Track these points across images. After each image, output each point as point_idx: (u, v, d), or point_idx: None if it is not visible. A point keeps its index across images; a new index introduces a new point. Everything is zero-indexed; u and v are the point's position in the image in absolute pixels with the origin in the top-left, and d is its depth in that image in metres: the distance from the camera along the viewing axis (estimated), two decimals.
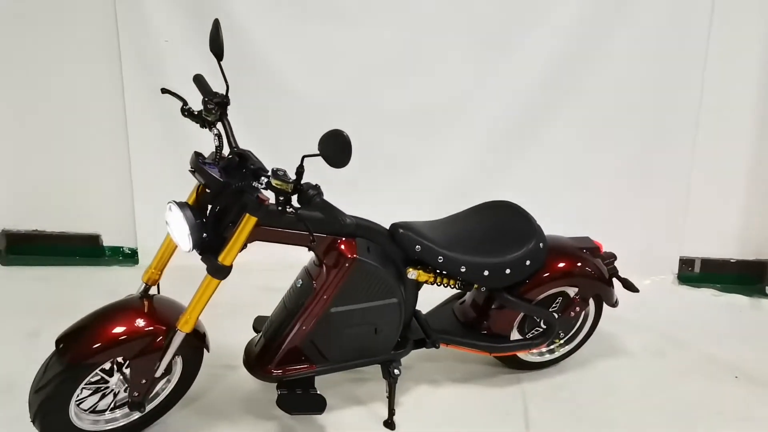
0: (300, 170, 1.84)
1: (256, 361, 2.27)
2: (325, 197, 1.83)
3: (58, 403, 1.99)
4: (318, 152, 1.78)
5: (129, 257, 3.78)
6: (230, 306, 2.74)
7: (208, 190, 2.01)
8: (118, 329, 2.00)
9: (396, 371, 2.35)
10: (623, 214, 3.51)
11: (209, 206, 2.05)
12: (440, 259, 2.29)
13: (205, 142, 3.44)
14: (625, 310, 2.83)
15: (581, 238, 2.65)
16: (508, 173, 3.50)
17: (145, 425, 2.24)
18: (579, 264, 2.53)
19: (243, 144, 2.07)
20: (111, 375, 2.12)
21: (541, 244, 2.42)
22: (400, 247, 2.28)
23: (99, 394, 2.14)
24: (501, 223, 2.49)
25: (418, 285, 2.40)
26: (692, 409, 2.51)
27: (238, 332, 2.45)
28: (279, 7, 3.31)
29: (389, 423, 2.36)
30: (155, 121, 3.51)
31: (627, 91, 3.39)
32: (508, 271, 2.36)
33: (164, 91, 2.13)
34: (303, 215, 1.92)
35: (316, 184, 1.85)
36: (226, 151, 2.04)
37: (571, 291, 2.57)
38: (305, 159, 1.82)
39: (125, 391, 2.14)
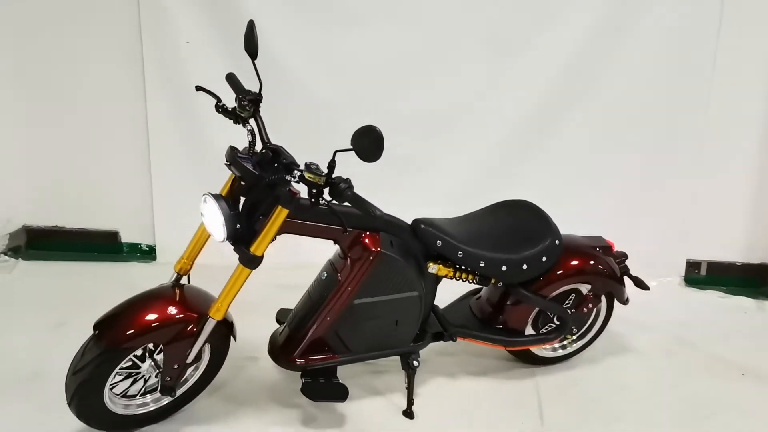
0: (332, 164, 1.93)
1: (281, 350, 2.35)
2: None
3: (95, 385, 2.06)
4: (351, 147, 1.86)
5: (147, 254, 3.85)
6: (249, 303, 2.82)
7: (242, 183, 2.09)
8: (153, 316, 2.08)
9: (415, 363, 2.42)
10: (632, 217, 3.58)
11: (241, 199, 2.13)
12: (460, 254, 2.37)
13: (224, 141, 3.54)
14: (633, 311, 2.91)
15: (594, 237, 2.73)
16: (521, 174, 3.58)
17: (173, 410, 2.31)
18: (592, 262, 2.61)
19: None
20: (143, 361, 2.19)
21: (557, 242, 2.50)
22: (422, 242, 2.36)
23: (131, 380, 2.22)
24: (518, 221, 2.57)
25: (437, 279, 2.48)
26: (700, 405, 2.57)
27: (256, 327, 2.50)
28: (296, 10, 3.39)
29: (408, 412, 2.43)
30: (175, 120, 3.58)
31: (636, 97, 3.46)
32: (525, 266, 2.44)
33: (198, 88, 2.22)
34: (335, 208, 2.00)
35: (347, 178, 1.93)
36: (258, 146, 2.12)
37: (584, 288, 2.65)
38: (337, 153, 1.91)
39: (156, 376, 2.22)
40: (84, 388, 2.05)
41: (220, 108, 2.18)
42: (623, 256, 2.74)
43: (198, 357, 2.22)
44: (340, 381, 2.35)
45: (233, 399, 2.48)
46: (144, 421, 2.26)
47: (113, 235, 3.85)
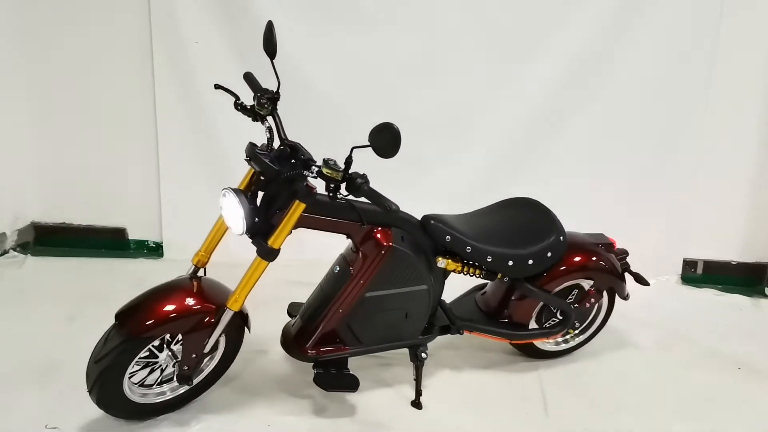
0: (349, 160, 2.00)
1: (294, 341, 2.41)
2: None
3: (115, 374, 2.12)
4: (368, 143, 1.93)
5: (153, 250, 3.90)
6: (257, 299, 2.88)
7: (261, 178, 2.15)
8: (173, 306, 2.15)
9: (423, 355, 2.50)
10: (630, 216, 3.67)
11: (259, 193, 2.20)
12: (468, 249, 2.44)
13: (231, 140, 3.62)
14: (632, 308, 3.03)
15: (596, 234, 2.81)
16: (527, 173, 3.67)
17: (189, 399, 2.37)
18: (595, 258, 2.69)
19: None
20: (160, 351, 2.25)
21: (561, 238, 2.58)
22: (431, 238, 2.44)
23: (148, 369, 2.28)
24: (524, 218, 2.65)
25: (445, 274, 2.55)
26: (698, 397, 2.65)
27: (265, 322, 2.55)
28: (306, 12, 3.46)
29: (416, 403, 2.50)
30: (184, 119, 3.64)
31: (635, 99, 3.56)
32: (530, 261, 2.52)
33: (217, 86, 2.28)
34: (353, 202, 2.06)
35: (364, 174, 2.00)
36: (276, 143, 2.19)
37: (587, 284, 2.72)
38: (354, 150, 1.98)
39: (173, 366, 2.28)
40: (105, 375, 2.11)
41: (239, 106, 2.25)
42: (624, 253, 2.82)
43: (214, 347, 2.28)
44: (351, 372, 2.41)
45: (246, 390, 2.54)
46: (161, 409, 2.31)
47: (121, 232, 3.91)
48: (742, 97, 3.53)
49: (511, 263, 2.50)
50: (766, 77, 3.50)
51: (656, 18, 3.41)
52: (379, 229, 2.31)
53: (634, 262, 2.86)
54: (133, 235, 3.92)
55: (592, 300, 2.74)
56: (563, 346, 2.86)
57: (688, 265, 3.81)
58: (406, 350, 2.54)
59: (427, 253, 2.46)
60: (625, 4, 3.39)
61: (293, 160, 2.12)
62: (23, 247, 3.81)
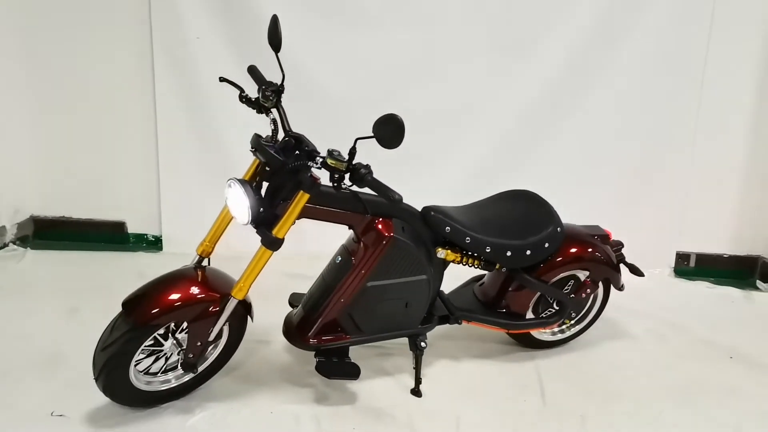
0: (353, 151, 2.04)
1: (296, 330, 2.45)
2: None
3: (122, 361, 2.15)
4: (372, 135, 1.97)
5: (153, 244, 3.94)
6: (259, 290, 2.92)
7: (267, 168, 2.19)
8: (179, 295, 2.18)
9: (422, 344, 2.54)
10: (624, 210, 3.74)
11: (264, 184, 2.24)
12: (468, 239, 2.49)
13: (231, 134, 3.65)
14: (626, 300, 3.09)
15: (592, 226, 2.87)
16: (524, 166, 3.74)
17: (193, 387, 2.41)
18: (591, 249, 2.74)
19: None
20: (165, 340, 2.28)
21: (558, 229, 2.63)
22: (431, 228, 2.48)
23: (153, 358, 2.31)
24: (522, 209, 2.70)
25: (444, 264, 2.59)
26: (691, 384, 2.71)
27: (266, 313, 2.57)
28: (307, 9, 3.50)
29: (416, 391, 2.54)
30: (183, 113, 3.68)
31: (631, 95, 3.62)
32: (528, 252, 2.57)
33: (222, 79, 2.32)
34: (356, 192, 2.10)
35: (367, 164, 2.05)
36: (280, 135, 2.23)
37: (582, 274, 2.78)
38: (358, 141, 2.02)
39: (177, 354, 2.31)
40: (111, 363, 2.14)
41: (244, 98, 2.28)
42: (619, 244, 2.87)
43: (219, 335, 2.32)
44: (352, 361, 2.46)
45: (248, 379, 2.57)
46: (166, 397, 2.35)
47: (120, 226, 3.94)
48: (734, 93, 3.61)
49: (509, 254, 2.54)
50: (758, 74, 3.57)
51: (653, 13, 3.48)
52: (381, 219, 2.35)
53: (629, 256, 2.91)
54: (132, 228, 3.96)
55: (588, 291, 2.79)
56: (559, 336, 2.91)
57: (681, 258, 3.87)
58: (405, 340, 2.58)
59: (427, 243, 2.50)
60: (621, 1, 3.45)
61: (297, 151, 2.16)
62: (23, 241, 3.83)
